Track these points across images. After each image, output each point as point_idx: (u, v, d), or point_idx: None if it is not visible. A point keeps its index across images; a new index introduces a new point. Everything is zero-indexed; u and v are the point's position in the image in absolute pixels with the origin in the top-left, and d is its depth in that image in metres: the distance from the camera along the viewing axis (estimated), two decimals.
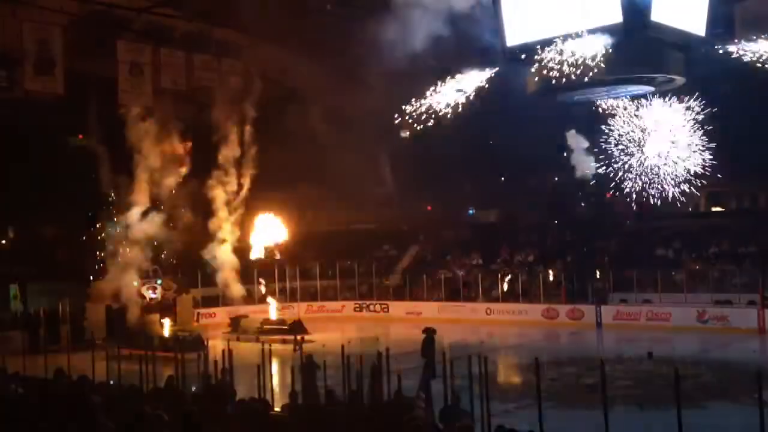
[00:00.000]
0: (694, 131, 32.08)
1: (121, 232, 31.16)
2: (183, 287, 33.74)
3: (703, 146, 31.94)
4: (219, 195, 34.19)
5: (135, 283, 31.26)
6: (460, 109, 33.75)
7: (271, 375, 14.76)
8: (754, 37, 29.66)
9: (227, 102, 34.44)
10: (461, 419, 7.59)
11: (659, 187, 33.29)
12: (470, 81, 31.37)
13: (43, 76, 35.28)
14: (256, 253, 36.58)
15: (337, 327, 33.15)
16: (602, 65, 27.17)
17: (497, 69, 30.99)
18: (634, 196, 31.98)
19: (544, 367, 20.47)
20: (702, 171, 31.64)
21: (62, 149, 37.08)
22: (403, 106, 31.71)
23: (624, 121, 32.53)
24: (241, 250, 35.33)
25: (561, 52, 28.19)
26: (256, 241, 36.25)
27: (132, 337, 25.50)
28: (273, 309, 33.04)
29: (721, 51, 32.20)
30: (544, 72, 27.79)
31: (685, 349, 26.31)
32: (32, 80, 35.20)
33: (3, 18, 34.08)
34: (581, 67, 28.02)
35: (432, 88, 32.28)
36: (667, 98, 32.42)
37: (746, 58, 29.69)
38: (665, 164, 32.29)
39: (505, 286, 35.55)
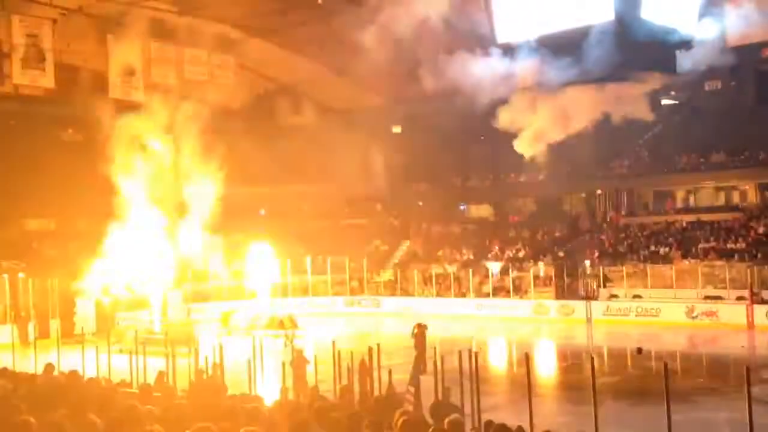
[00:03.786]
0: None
1: (112, 227, 30.87)
2: (174, 281, 33.55)
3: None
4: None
5: (126, 278, 31.09)
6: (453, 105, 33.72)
7: (262, 370, 14.77)
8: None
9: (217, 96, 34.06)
10: (451, 414, 7.60)
11: None
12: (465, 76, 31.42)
13: (32, 70, 35.12)
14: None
15: (328, 322, 33.12)
16: (594, 62, 27.24)
17: (490, 64, 31.04)
18: None
19: (534, 362, 20.49)
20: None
21: (52, 143, 36.82)
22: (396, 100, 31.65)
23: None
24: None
25: (552, 48, 28.23)
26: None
27: (122, 332, 25.45)
28: (264, 304, 32.92)
29: (711, 47, 32.37)
30: (536, 69, 27.88)
31: (675, 344, 26.45)
32: (21, 74, 35.04)
33: None
34: (571, 64, 28.08)
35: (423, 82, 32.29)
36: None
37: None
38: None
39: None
